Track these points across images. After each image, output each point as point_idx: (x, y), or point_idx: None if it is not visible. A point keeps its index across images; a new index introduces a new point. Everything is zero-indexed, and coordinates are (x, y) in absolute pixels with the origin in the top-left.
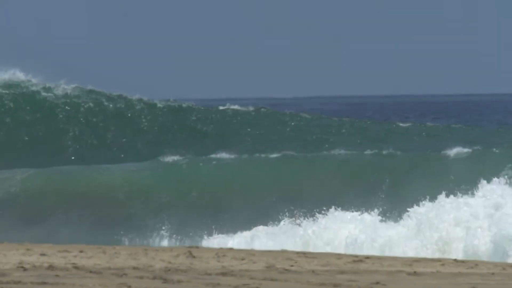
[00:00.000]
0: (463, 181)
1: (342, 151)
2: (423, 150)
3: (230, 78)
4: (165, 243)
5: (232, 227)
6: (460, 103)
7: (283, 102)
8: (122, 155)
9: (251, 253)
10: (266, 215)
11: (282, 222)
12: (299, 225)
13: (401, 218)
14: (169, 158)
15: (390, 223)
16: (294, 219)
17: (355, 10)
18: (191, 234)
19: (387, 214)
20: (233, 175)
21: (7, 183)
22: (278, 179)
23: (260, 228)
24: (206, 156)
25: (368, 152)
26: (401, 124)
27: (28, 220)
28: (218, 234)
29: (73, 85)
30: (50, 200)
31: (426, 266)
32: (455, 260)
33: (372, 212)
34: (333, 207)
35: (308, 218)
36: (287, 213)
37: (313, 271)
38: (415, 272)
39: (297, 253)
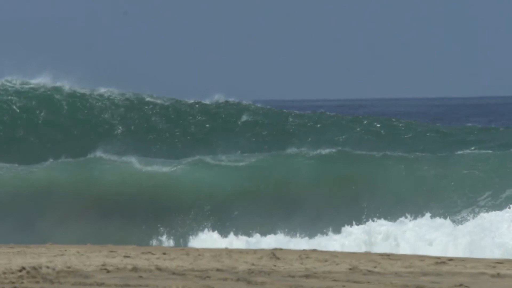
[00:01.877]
0: None
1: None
2: None
3: (230, 78)
4: (243, 244)
5: (315, 228)
6: None
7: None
8: (182, 153)
9: (334, 254)
10: (345, 215)
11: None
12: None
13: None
14: (230, 156)
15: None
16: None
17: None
18: (271, 235)
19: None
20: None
21: (45, 173)
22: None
23: (343, 229)
24: (278, 152)
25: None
26: None
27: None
28: (300, 235)
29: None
30: (100, 191)
31: (510, 268)
32: None
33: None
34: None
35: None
36: (366, 214)
37: (396, 273)
38: (498, 274)
39: (381, 255)
